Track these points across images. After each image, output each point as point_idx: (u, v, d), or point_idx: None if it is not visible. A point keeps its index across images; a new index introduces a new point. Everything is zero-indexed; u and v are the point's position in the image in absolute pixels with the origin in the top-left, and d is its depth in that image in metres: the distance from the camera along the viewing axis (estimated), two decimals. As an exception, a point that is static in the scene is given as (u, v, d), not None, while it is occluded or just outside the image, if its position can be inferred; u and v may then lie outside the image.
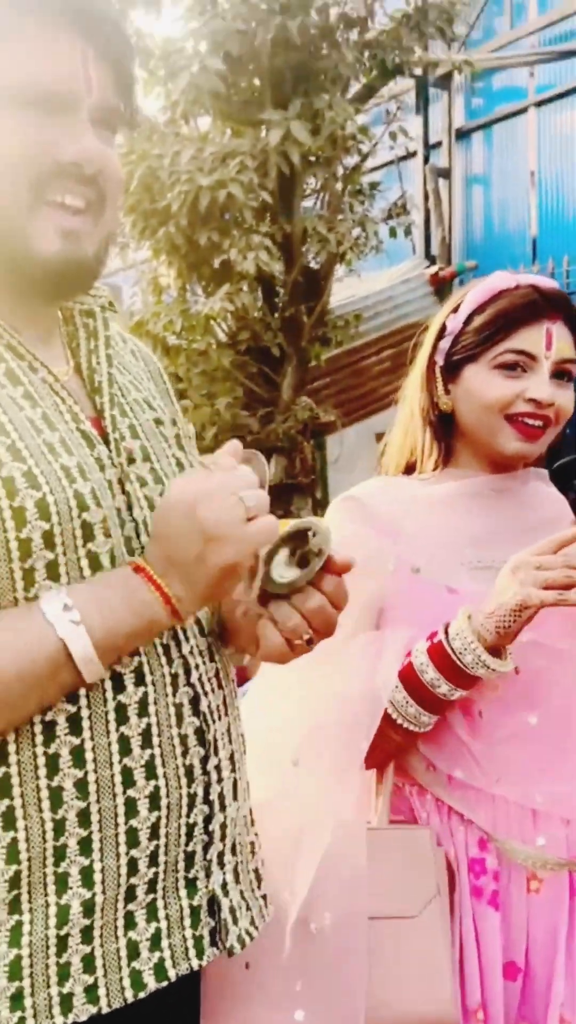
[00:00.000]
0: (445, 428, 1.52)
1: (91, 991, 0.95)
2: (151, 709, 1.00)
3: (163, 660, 1.02)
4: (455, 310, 1.50)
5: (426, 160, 9.71)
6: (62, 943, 0.94)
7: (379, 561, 1.43)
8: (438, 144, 9.83)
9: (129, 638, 0.96)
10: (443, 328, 1.51)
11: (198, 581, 0.95)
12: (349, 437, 8.04)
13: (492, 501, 1.47)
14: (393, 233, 8.10)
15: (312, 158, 7.23)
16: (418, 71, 8.99)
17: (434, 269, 9.11)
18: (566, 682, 1.38)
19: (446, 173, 9.71)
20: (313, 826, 1.30)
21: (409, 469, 1.57)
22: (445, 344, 1.49)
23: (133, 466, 1.05)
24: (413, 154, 9.63)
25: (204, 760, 1.04)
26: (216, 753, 1.05)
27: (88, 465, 1.00)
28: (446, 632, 1.33)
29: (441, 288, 8.86)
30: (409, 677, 1.34)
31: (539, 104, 9.18)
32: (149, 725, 0.99)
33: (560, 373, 1.44)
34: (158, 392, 1.18)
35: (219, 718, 1.07)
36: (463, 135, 9.84)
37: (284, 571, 1.04)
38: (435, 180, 9.57)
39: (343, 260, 7.70)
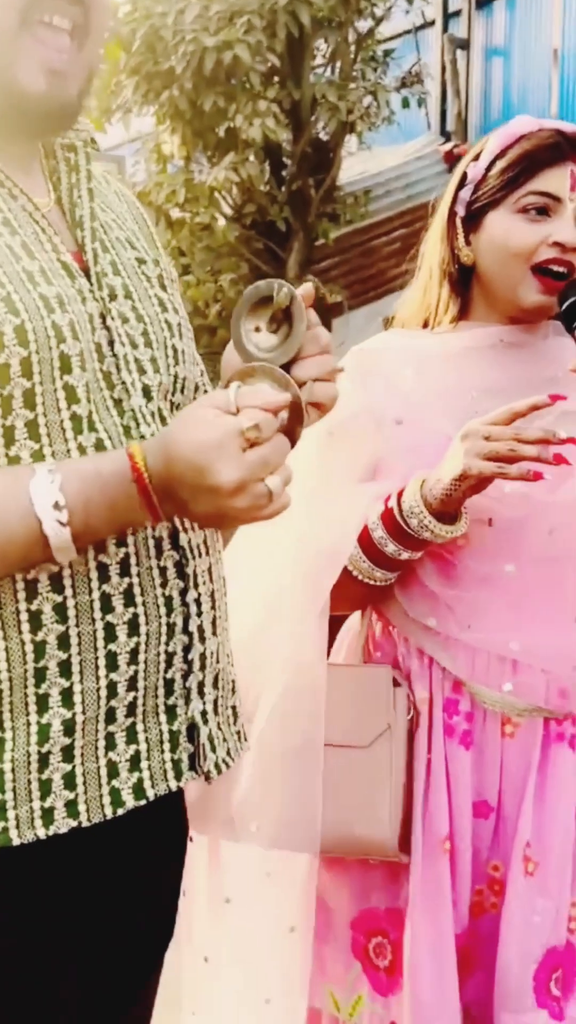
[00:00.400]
0: (464, 282, 1.48)
1: (71, 806, 0.99)
2: (129, 540, 1.01)
3: None
4: (476, 158, 1.45)
5: (444, 29, 9.30)
6: (43, 760, 0.98)
7: (368, 418, 1.42)
8: (457, 13, 9.41)
9: (108, 526, 0.97)
10: (463, 177, 1.46)
11: (193, 513, 0.96)
12: (356, 320, 7.91)
13: (504, 354, 1.44)
14: (406, 103, 7.82)
15: (323, 20, 6.93)
16: None
17: (449, 146, 8.79)
18: (547, 533, 1.36)
19: (465, 44, 9.31)
20: (274, 663, 1.37)
21: (426, 327, 1.53)
22: (466, 193, 1.44)
23: (115, 302, 1.03)
24: (431, 23, 9.24)
25: (183, 592, 1.06)
26: (196, 587, 1.07)
27: (68, 296, 0.98)
28: (400, 495, 1.34)
29: (456, 166, 8.60)
30: (363, 534, 1.37)
31: (565, -29, 8.76)
32: (127, 555, 1.01)
33: None
34: (142, 234, 1.16)
35: (199, 555, 1.08)
36: (484, 4, 9.38)
37: (263, 344, 1.01)
38: (453, 51, 9.19)
39: (354, 131, 7.46)
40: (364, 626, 1.48)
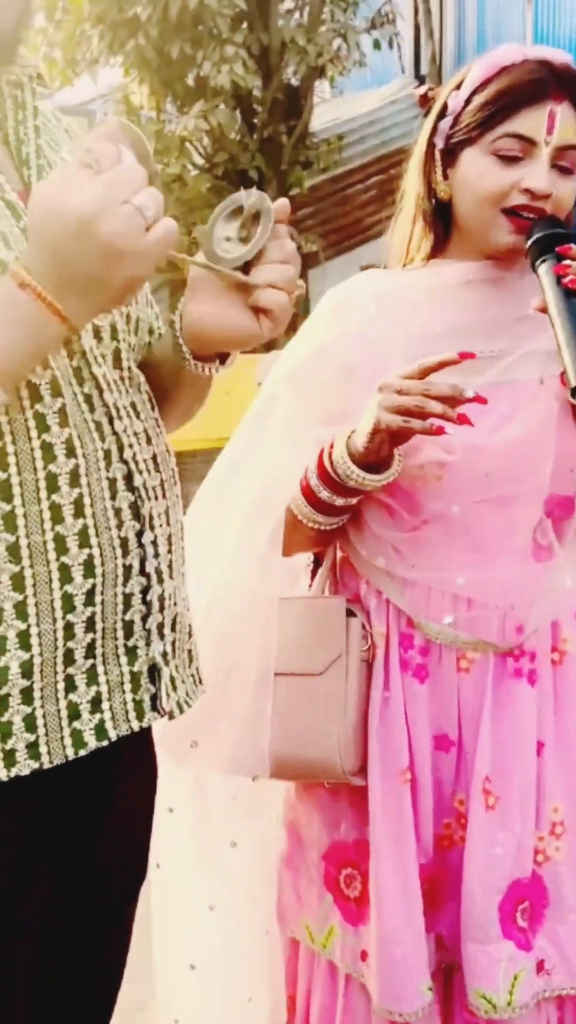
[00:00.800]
0: (443, 218, 1.42)
1: (32, 747, 0.99)
2: (83, 481, 1.00)
3: (95, 436, 1.02)
4: (458, 87, 1.37)
5: (416, -31, 9.14)
6: (3, 703, 0.97)
7: (329, 361, 1.40)
8: (429, -49, 9.24)
9: (25, 358, 0.93)
10: (444, 107, 1.37)
11: (97, 297, 0.91)
12: (333, 270, 7.84)
13: (475, 292, 1.39)
14: (377, 45, 7.69)
15: (290, -39, 6.81)
16: None
17: (423, 89, 8.55)
18: (484, 475, 1.34)
19: (437, -16, 9.16)
20: (222, 600, 1.41)
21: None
22: (445, 125, 1.36)
23: None
24: (403, -37, 9.06)
25: (139, 534, 1.05)
26: (152, 529, 1.06)
27: (14, 236, 0.96)
28: (332, 444, 1.34)
29: (430, 110, 8.48)
30: (303, 480, 1.38)
31: None
32: (80, 495, 1.00)
33: (563, 162, 1.31)
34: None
35: (155, 498, 1.07)
36: None
37: (233, 250, 1.00)
38: (426, -9, 9.04)
39: (324, 75, 7.35)
40: (328, 563, 1.50)
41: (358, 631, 1.39)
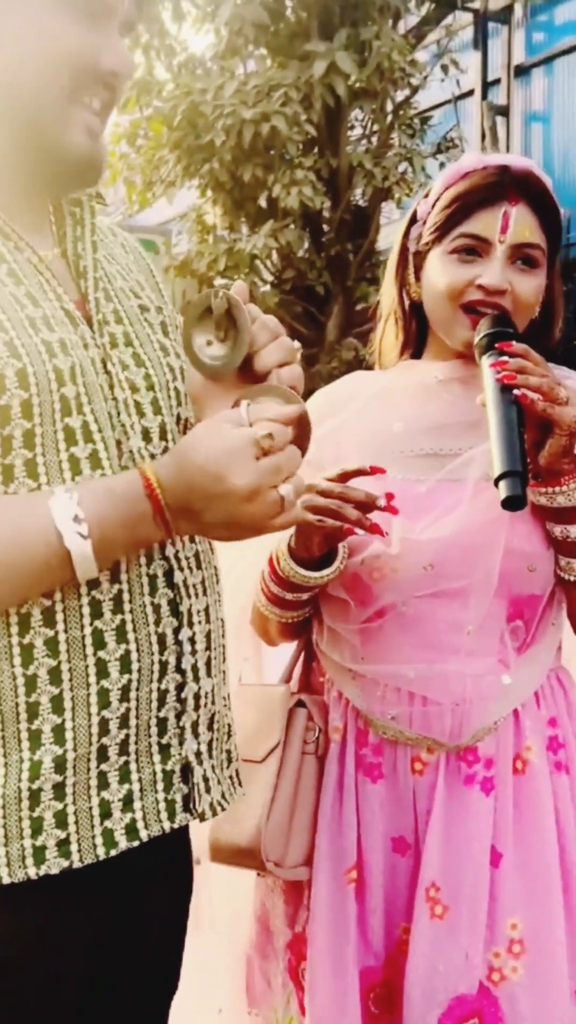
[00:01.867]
0: (419, 319, 1.48)
1: (63, 845, 0.98)
2: (123, 576, 1.02)
3: None
4: (427, 195, 1.45)
5: (484, 97, 9.44)
6: (34, 797, 0.97)
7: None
8: (497, 81, 9.56)
9: (127, 551, 1.01)
10: (414, 213, 1.46)
11: (204, 533, 1.02)
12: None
13: (443, 390, 1.43)
14: (443, 167, 7.92)
15: (359, 91, 7.09)
16: (476, 3, 8.73)
17: (489, 210, 8.89)
18: (423, 569, 1.34)
19: (504, 111, 9.44)
20: None
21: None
22: (416, 230, 1.45)
23: (116, 350, 1.07)
24: (471, 92, 9.39)
25: (176, 631, 1.06)
26: (190, 626, 1.07)
27: (71, 342, 1.01)
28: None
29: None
30: (261, 578, 1.43)
31: (603, 36, 8.86)
32: (120, 591, 1.02)
33: (522, 258, 1.37)
34: (147, 283, 1.20)
35: (195, 596, 1.09)
36: (523, 71, 9.54)
37: (217, 353, 1.04)
38: (492, 118, 9.31)
39: (391, 197, 7.56)
40: (295, 650, 1.51)
41: (302, 723, 1.39)
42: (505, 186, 1.35)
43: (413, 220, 1.45)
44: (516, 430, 1.23)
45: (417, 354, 1.50)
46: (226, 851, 1.38)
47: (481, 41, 9.46)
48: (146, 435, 1.06)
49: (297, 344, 1.07)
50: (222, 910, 1.50)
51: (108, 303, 1.09)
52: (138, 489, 0.96)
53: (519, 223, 1.35)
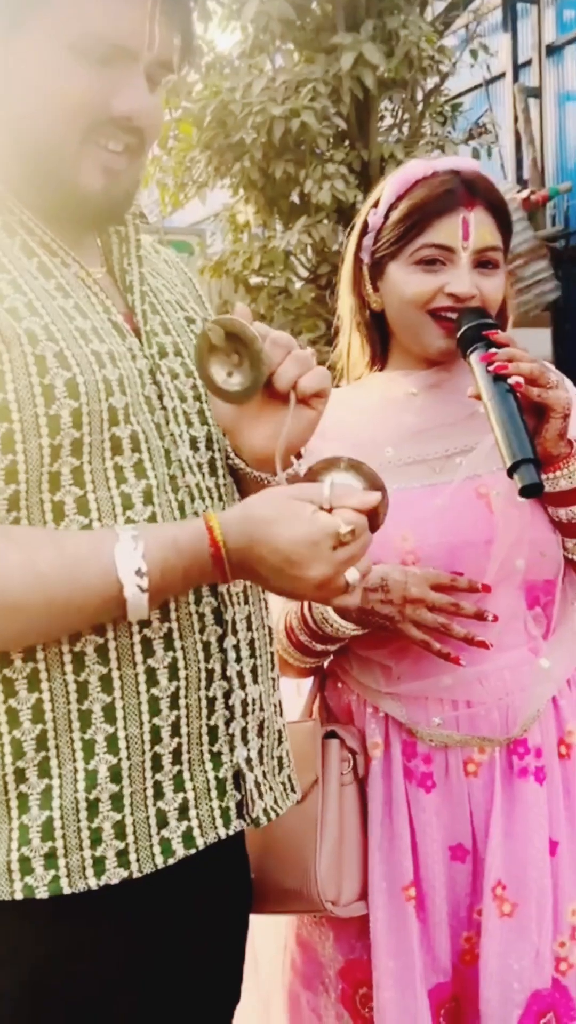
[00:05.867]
0: (380, 329, 1.47)
1: (122, 855, 1.00)
2: None
3: None
4: (375, 205, 1.44)
5: (515, 80, 9.32)
6: (92, 808, 0.99)
7: None
8: (528, 63, 9.43)
9: (181, 588, 1.02)
10: (365, 224, 1.45)
11: (265, 584, 1.03)
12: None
13: (421, 398, 1.42)
14: (476, 154, 7.82)
15: (388, 81, 7.03)
16: (504, -15, 8.62)
17: (525, 193, 8.74)
18: (456, 570, 1.35)
19: (536, 92, 9.31)
20: None
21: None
22: (368, 241, 1.44)
23: (165, 359, 1.09)
24: (502, 75, 9.27)
25: (220, 639, 1.07)
26: (235, 634, 1.09)
27: (119, 353, 1.03)
28: None
29: (533, 213, 8.52)
30: (286, 622, 1.41)
31: None
32: (167, 601, 1.03)
33: (484, 262, 1.37)
34: (191, 296, 1.22)
35: (238, 604, 1.10)
36: (554, 51, 9.39)
37: (235, 380, 1.04)
38: (525, 100, 9.19)
39: (424, 186, 7.48)
40: (313, 684, 1.50)
41: (336, 754, 1.38)
42: (459, 192, 1.35)
43: (364, 231, 1.43)
44: (519, 419, 1.23)
45: (382, 363, 1.50)
46: (278, 898, 1.34)
47: (511, 22, 9.35)
48: (193, 444, 1.08)
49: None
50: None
51: (155, 315, 1.12)
52: (203, 545, 0.97)
53: (479, 227, 1.35)
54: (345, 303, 1.50)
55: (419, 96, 7.50)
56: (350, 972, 1.41)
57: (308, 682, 1.53)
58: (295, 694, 1.53)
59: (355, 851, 1.37)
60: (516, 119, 9.20)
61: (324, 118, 6.64)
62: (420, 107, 7.41)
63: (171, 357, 1.10)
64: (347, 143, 7.20)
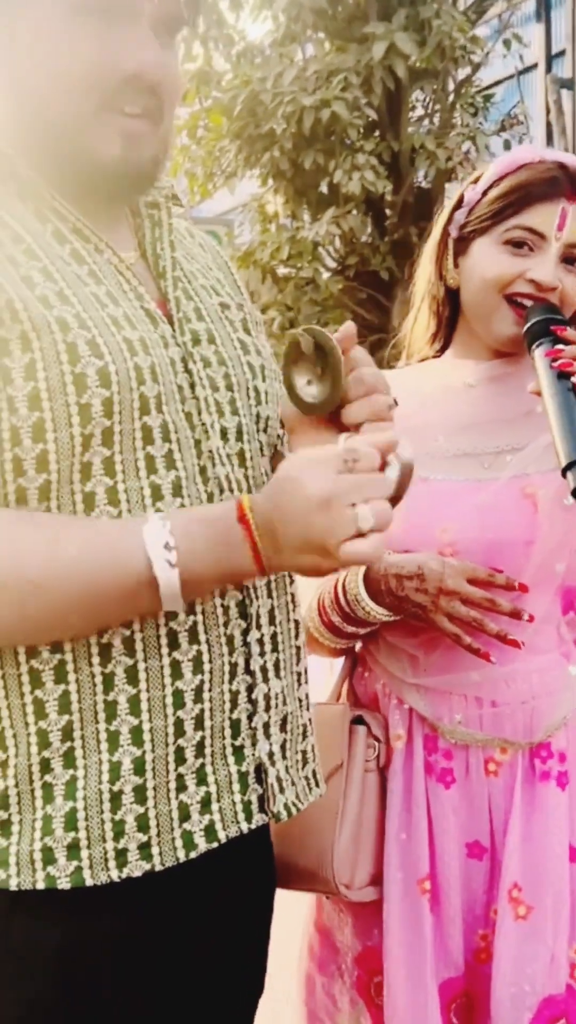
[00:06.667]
0: (452, 307, 1.45)
1: (144, 848, 0.99)
2: None
3: None
4: (475, 182, 1.42)
5: (548, 70, 9.24)
6: (116, 800, 0.98)
7: None
8: (561, 53, 9.34)
9: (213, 583, 1.00)
10: (461, 198, 1.43)
11: (295, 564, 0.97)
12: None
13: (481, 390, 1.40)
14: (507, 146, 7.77)
15: (419, 71, 6.99)
16: (538, -26, 8.54)
17: (556, 185, 8.71)
18: (495, 566, 1.33)
19: (569, 83, 9.21)
20: None
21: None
22: (460, 215, 1.41)
23: (198, 347, 1.07)
24: (534, 66, 9.19)
25: (245, 632, 1.06)
26: (259, 628, 1.08)
27: (151, 341, 1.02)
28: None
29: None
30: (319, 601, 1.40)
31: None
32: (198, 588, 1.01)
33: (572, 258, 1.34)
34: (226, 281, 1.20)
35: (262, 597, 1.09)
36: (588, 42, 9.31)
37: (316, 392, 1.03)
38: (557, 91, 9.09)
39: (454, 177, 7.45)
40: (346, 665, 1.49)
41: (362, 740, 1.37)
42: (563, 183, 1.33)
43: (458, 205, 1.42)
44: None
45: (445, 344, 1.48)
46: (293, 876, 1.34)
47: (544, 12, 9.26)
48: (224, 435, 1.06)
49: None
50: None
51: (189, 301, 1.10)
52: (231, 512, 0.95)
53: (575, 222, 1.33)
54: (423, 276, 1.47)
55: (450, 86, 7.46)
56: (366, 959, 1.41)
57: (341, 661, 1.53)
58: (328, 671, 1.53)
59: (371, 837, 1.36)
60: (548, 110, 9.11)
61: (355, 108, 6.62)
62: (451, 98, 7.37)
63: (204, 345, 1.07)
64: (377, 133, 7.17)
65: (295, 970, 1.50)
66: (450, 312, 1.45)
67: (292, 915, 1.54)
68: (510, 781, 1.33)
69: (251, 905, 1.15)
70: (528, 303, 1.32)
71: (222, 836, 1.03)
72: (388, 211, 7.47)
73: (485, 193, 1.37)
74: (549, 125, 9.10)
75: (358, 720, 1.39)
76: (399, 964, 1.32)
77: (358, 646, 1.48)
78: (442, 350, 1.48)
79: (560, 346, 1.24)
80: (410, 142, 7.10)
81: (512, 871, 1.30)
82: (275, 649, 1.10)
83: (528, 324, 1.30)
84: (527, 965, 1.28)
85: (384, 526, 0.93)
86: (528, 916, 1.29)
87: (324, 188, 7.26)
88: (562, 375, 1.22)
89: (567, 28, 9.22)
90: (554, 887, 1.30)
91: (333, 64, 6.76)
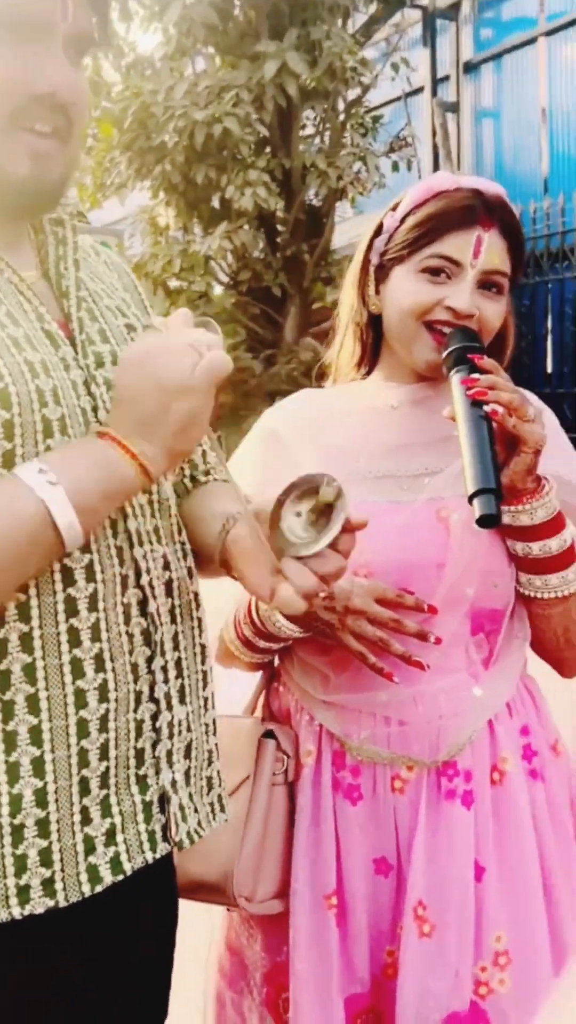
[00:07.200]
0: (375, 333, 1.46)
1: (48, 884, 0.96)
2: (100, 605, 1.00)
3: (115, 560, 1.03)
4: (394, 208, 1.43)
5: (434, 94, 9.48)
6: (17, 833, 0.95)
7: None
8: (446, 78, 9.60)
9: (104, 498, 0.97)
10: (380, 226, 1.44)
11: (163, 435, 0.96)
12: (356, 380, 7.94)
13: (404, 412, 1.41)
14: (396, 167, 7.94)
15: (310, 91, 7.07)
16: (424, 1, 8.75)
17: (442, 207, 8.93)
18: (405, 588, 1.35)
19: (454, 107, 9.49)
20: None
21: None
22: (380, 243, 1.42)
23: (101, 369, 1.04)
24: (420, 89, 9.41)
25: (149, 660, 1.05)
26: (163, 655, 1.06)
27: (52, 363, 1.00)
28: None
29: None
30: (235, 615, 1.41)
31: (549, 33, 8.92)
32: (98, 620, 1.00)
33: (489, 284, 1.36)
34: (133, 301, 1.18)
35: (166, 623, 1.07)
36: (471, 68, 9.60)
37: (298, 530, 1.02)
38: (443, 115, 9.35)
39: (345, 196, 7.56)
40: (261, 680, 1.50)
41: (271, 754, 1.37)
42: (479, 210, 1.35)
43: (377, 232, 1.43)
44: (489, 447, 1.22)
45: (370, 368, 1.49)
46: (194, 887, 1.34)
47: (430, 38, 9.50)
48: None
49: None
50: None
51: (93, 323, 1.08)
52: (91, 435, 0.97)
53: (490, 249, 1.35)
54: (346, 302, 1.48)
55: (340, 107, 7.56)
56: (275, 976, 1.40)
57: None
58: (252, 684, 1.53)
59: (277, 851, 1.36)
60: (435, 133, 9.34)
61: (246, 124, 6.65)
62: (342, 117, 7.47)
63: (108, 367, 1.05)
64: (269, 150, 7.22)
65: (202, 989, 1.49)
66: (374, 336, 1.47)
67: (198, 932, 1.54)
68: (415, 799, 1.34)
69: (155, 929, 1.14)
70: (447, 330, 1.34)
71: (128, 868, 1.01)
72: (280, 227, 7.52)
73: (403, 221, 1.39)
74: (435, 147, 9.34)
75: (268, 734, 1.39)
76: (305, 979, 1.32)
77: (276, 661, 1.48)
78: (369, 372, 1.50)
79: (476, 375, 1.26)
80: (301, 160, 7.17)
81: (417, 889, 1.31)
82: (180, 675, 1.09)
83: (446, 351, 1.31)
84: (431, 982, 1.29)
85: (217, 347, 0.97)
86: (432, 934, 1.30)
87: (216, 203, 7.26)
88: (476, 403, 1.24)
89: (451, 54, 9.49)
90: (458, 905, 1.31)
91: (225, 80, 6.78)
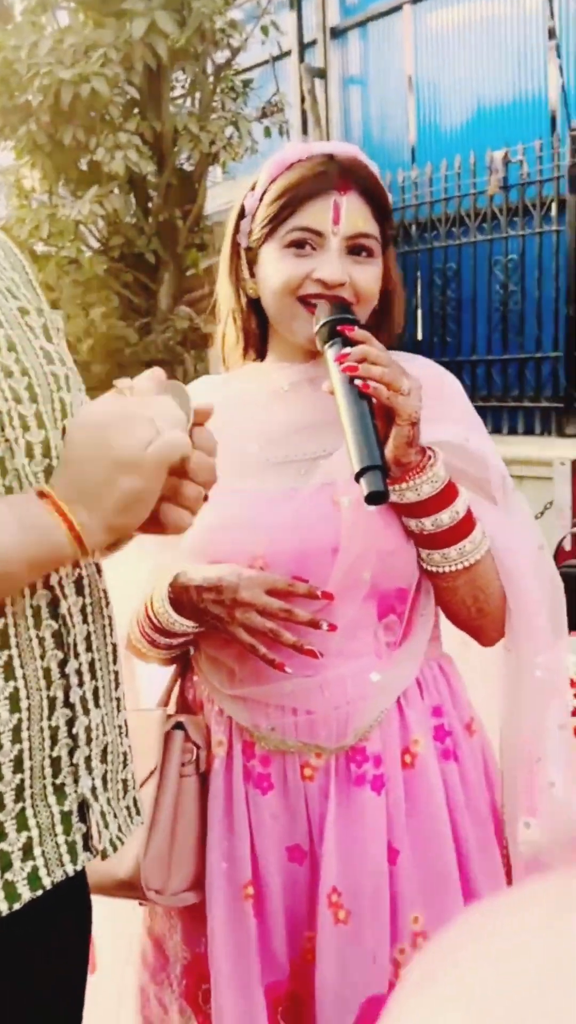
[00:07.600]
0: (261, 316, 1.42)
1: None
2: (8, 610, 0.95)
3: None
4: (252, 188, 1.39)
5: (301, 59, 9.40)
6: None
7: None
8: (313, 43, 9.53)
9: (31, 566, 0.92)
10: (243, 208, 1.39)
11: (105, 508, 0.91)
12: (230, 348, 7.89)
13: (294, 395, 1.39)
14: (268, 133, 7.87)
15: (180, 51, 6.92)
16: (290, -38, 8.66)
17: (313, 173, 8.91)
18: (301, 576, 1.35)
19: (322, 73, 9.43)
20: None
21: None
22: (246, 224, 1.38)
23: None
24: (288, 53, 9.32)
25: (62, 663, 1.00)
26: (76, 657, 1.01)
27: None
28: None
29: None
30: (137, 613, 1.41)
31: (415, 1, 8.95)
32: (5, 625, 0.95)
33: (357, 248, 1.32)
34: (22, 282, 1.09)
35: (78, 624, 1.02)
36: (338, 33, 9.53)
37: None
38: (311, 80, 9.28)
39: (217, 161, 7.46)
40: (174, 672, 1.49)
41: (179, 745, 1.36)
42: (333, 175, 1.31)
43: (241, 215, 1.39)
44: (370, 423, 1.19)
45: (262, 353, 1.46)
46: (105, 884, 1.31)
47: (297, 2, 9.40)
48: (29, 451, 0.98)
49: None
50: (99, 941, 1.44)
51: None
52: (31, 492, 0.92)
53: (351, 213, 1.31)
54: (223, 290, 1.44)
55: (210, 69, 7.43)
56: (195, 967, 1.39)
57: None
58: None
59: (189, 842, 1.35)
60: (303, 99, 9.29)
61: (115, 85, 6.47)
62: (212, 81, 7.34)
63: (4, 353, 0.98)
64: (138, 112, 7.04)
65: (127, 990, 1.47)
66: (259, 320, 1.43)
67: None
68: (325, 786, 1.33)
69: (76, 940, 1.11)
70: (318, 302, 1.30)
71: (47, 882, 0.97)
72: (152, 192, 7.37)
73: (261, 198, 1.35)
74: (304, 114, 9.28)
75: (178, 726, 1.37)
76: (225, 969, 1.31)
77: (192, 651, 1.46)
78: (262, 356, 1.47)
79: (347, 349, 1.23)
80: (172, 123, 7.03)
81: (330, 876, 1.31)
82: (93, 677, 1.05)
83: (317, 325, 1.28)
84: (348, 968, 1.29)
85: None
86: (348, 920, 1.30)
87: (84, 165, 7.05)
88: (351, 379, 1.21)
89: (317, 18, 9.41)
90: (372, 891, 1.31)
91: (91, 38, 6.57)
